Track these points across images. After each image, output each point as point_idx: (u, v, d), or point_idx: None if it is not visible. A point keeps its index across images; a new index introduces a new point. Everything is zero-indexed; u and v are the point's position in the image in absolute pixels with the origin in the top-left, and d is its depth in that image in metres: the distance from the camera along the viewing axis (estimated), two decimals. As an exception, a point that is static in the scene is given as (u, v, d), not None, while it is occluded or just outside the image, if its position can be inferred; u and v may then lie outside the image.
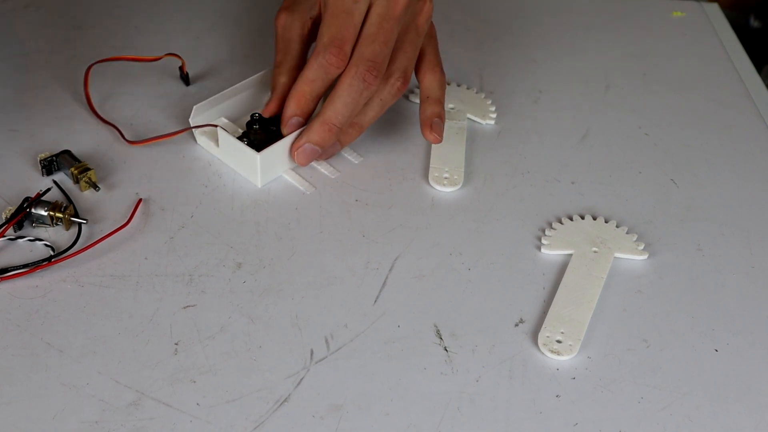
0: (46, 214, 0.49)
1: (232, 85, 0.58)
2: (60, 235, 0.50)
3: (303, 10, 0.57)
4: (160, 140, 0.56)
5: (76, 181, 0.53)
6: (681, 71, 0.70)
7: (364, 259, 0.51)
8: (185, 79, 0.63)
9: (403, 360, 0.45)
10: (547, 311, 0.48)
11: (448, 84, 0.65)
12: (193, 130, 0.57)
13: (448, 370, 0.45)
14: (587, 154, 0.60)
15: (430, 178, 0.56)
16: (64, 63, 0.64)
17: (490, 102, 0.64)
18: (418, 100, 0.63)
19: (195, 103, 0.56)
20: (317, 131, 0.53)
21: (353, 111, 0.53)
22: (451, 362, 0.45)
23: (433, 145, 0.59)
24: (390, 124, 0.61)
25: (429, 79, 0.58)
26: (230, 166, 0.56)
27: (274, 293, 0.48)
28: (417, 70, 0.59)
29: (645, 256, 0.52)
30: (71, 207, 0.50)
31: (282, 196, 0.54)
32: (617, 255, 0.52)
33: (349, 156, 0.58)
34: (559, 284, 0.50)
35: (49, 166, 0.54)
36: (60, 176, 0.54)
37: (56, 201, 0.50)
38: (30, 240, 0.49)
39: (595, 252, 0.52)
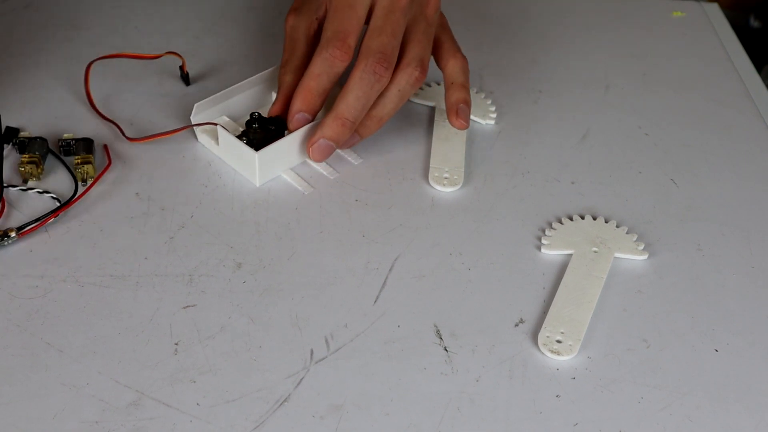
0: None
1: (232, 85, 0.58)
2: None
3: (310, 10, 0.57)
4: (161, 137, 0.56)
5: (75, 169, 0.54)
6: (681, 71, 0.70)
7: (364, 259, 0.51)
8: (185, 78, 0.63)
9: (403, 360, 0.45)
10: (547, 311, 0.48)
11: (448, 84, 0.65)
12: (194, 128, 0.57)
13: (448, 370, 0.45)
14: (587, 154, 0.60)
15: (430, 178, 0.56)
16: (64, 63, 0.64)
17: (490, 102, 0.64)
18: (418, 101, 0.63)
19: (195, 102, 0.56)
20: (331, 126, 0.53)
21: (365, 104, 0.53)
22: (451, 362, 0.45)
23: (433, 145, 0.59)
24: (390, 123, 0.61)
25: (451, 65, 0.58)
26: (230, 165, 0.56)
27: (274, 293, 0.48)
28: (438, 58, 0.59)
29: (645, 256, 0.52)
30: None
31: (282, 196, 0.54)
32: (617, 255, 0.52)
33: (348, 157, 0.58)
34: (559, 284, 0.50)
35: (67, 147, 0.55)
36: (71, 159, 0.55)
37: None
38: (39, 192, 0.52)
39: (595, 252, 0.52)
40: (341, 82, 0.55)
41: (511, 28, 0.74)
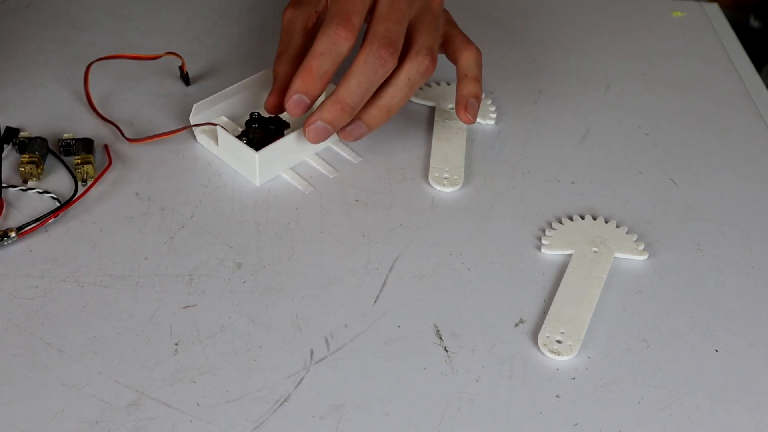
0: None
1: (231, 85, 0.58)
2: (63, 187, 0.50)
3: (309, 3, 0.56)
4: (160, 138, 0.56)
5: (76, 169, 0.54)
6: (681, 71, 0.70)
7: (364, 259, 0.51)
8: (185, 78, 0.63)
9: (403, 360, 0.45)
10: (547, 311, 0.48)
11: (448, 84, 0.65)
12: (194, 128, 0.57)
13: (448, 370, 0.45)
14: (587, 154, 0.60)
15: (430, 178, 0.56)
16: (64, 63, 0.64)
17: (490, 102, 0.64)
18: (418, 101, 0.63)
19: (194, 103, 0.56)
20: (329, 109, 0.52)
21: (367, 90, 0.52)
22: (451, 362, 0.45)
23: (433, 145, 0.59)
24: (390, 123, 0.61)
25: (465, 57, 0.57)
26: (230, 165, 0.56)
27: (274, 293, 0.48)
28: (451, 52, 0.58)
29: (645, 256, 0.52)
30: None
31: (282, 195, 0.54)
32: (617, 255, 0.52)
33: (348, 156, 0.58)
34: (559, 284, 0.50)
35: (67, 147, 0.55)
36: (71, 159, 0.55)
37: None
38: (39, 192, 0.52)
39: (595, 252, 0.52)
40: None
41: (511, 28, 0.74)
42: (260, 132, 0.55)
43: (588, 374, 0.45)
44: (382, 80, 0.52)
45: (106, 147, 0.56)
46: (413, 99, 0.63)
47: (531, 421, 0.43)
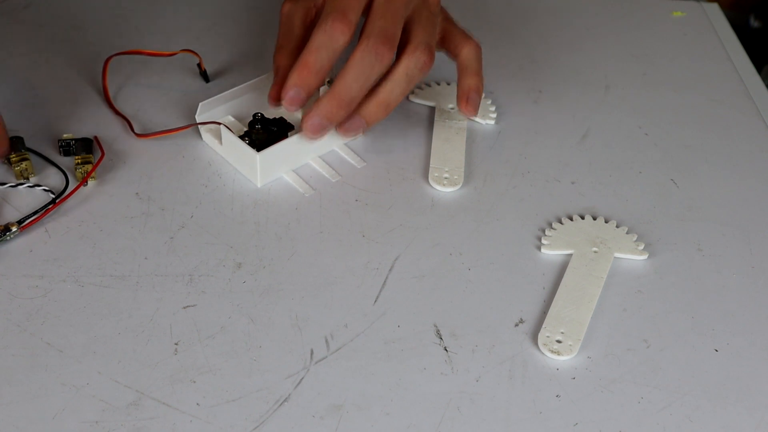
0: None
1: (231, 85, 0.58)
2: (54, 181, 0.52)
3: None
4: (167, 134, 0.57)
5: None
6: (681, 71, 0.70)
7: (364, 259, 0.51)
8: (204, 75, 0.63)
9: (403, 360, 0.45)
10: (547, 311, 0.48)
11: (448, 84, 0.65)
12: (199, 127, 0.57)
13: (448, 370, 0.45)
14: (587, 154, 0.60)
15: (430, 178, 0.56)
16: (64, 63, 0.64)
17: (490, 102, 0.64)
18: (418, 100, 0.63)
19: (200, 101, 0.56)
20: (326, 104, 0.51)
21: (364, 85, 0.51)
22: (451, 362, 0.45)
23: (433, 145, 0.59)
24: (390, 123, 0.61)
25: (466, 51, 0.57)
26: (232, 165, 0.56)
27: (274, 293, 0.48)
28: (451, 47, 0.58)
29: (645, 256, 0.52)
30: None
31: (282, 196, 0.54)
32: (617, 255, 0.52)
33: (351, 160, 0.58)
34: (559, 284, 0.50)
35: (67, 147, 0.55)
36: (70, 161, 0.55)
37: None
38: (30, 186, 0.52)
39: (595, 252, 0.52)
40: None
41: (511, 28, 0.74)
42: (263, 133, 0.55)
43: (588, 374, 0.45)
44: (379, 75, 0.52)
45: (96, 139, 0.56)
46: (413, 99, 0.63)
47: (531, 421, 0.43)
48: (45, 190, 0.52)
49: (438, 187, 0.56)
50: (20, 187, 0.52)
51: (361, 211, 0.54)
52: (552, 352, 0.46)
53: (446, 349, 0.46)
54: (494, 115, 0.62)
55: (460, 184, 0.56)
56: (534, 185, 0.57)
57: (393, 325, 0.47)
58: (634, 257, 0.52)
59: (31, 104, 0.60)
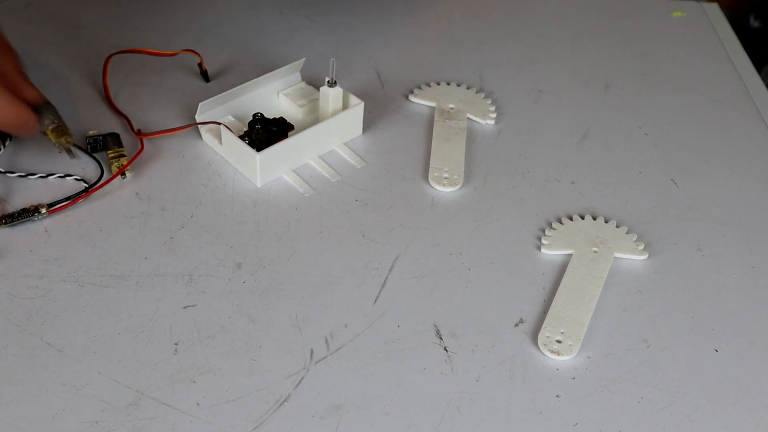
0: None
1: (229, 85, 0.58)
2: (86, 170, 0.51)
3: None
4: (166, 134, 0.57)
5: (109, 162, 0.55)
6: (681, 71, 0.70)
7: (364, 259, 0.51)
8: (204, 75, 0.63)
9: (403, 360, 0.45)
10: (547, 311, 0.48)
11: (448, 84, 0.65)
12: (199, 127, 0.57)
13: (448, 370, 0.45)
14: (587, 154, 0.60)
15: (430, 178, 0.56)
16: (64, 63, 0.64)
17: (490, 102, 0.64)
18: (418, 100, 0.63)
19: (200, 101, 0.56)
20: None
21: None
22: (451, 362, 0.45)
23: (433, 145, 0.59)
24: (390, 123, 0.61)
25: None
26: (232, 165, 0.56)
27: (274, 293, 0.48)
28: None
29: (645, 256, 0.52)
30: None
31: (282, 196, 0.54)
32: (617, 255, 0.52)
33: (351, 160, 0.58)
34: (559, 284, 0.50)
35: (94, 143, 0.56)
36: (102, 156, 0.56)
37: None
38: (60, 176, 0.53)
39: (595, 252, 0.52)
40: None
41: (511, 28, 0.74)
42: (263, 133, 0.55)
43: (588, 374, 0.45)
44: None
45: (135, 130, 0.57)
46: (413, 99, 0.63)
47: (531, 421, 0.43)
48: (77, 179, 0.53)
49: (438, 187, 0.56)
50: (50, 177, 0.53)
51: (361, 211, 0.54)
52: (552, 352, 0.46)
53: (446, 349, 0.46)
54: (494, 115, 0.63)
55: (460, 184, 0.56)
56: (534, 185, 0.57)
57: (393, 325, 0.47)
58: (634, 257, 0.52)
59: (31, 104, 0.60)
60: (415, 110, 0.63)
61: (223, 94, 0.57)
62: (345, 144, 0.59)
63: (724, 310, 0.49)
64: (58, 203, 0.51)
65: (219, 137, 0.56)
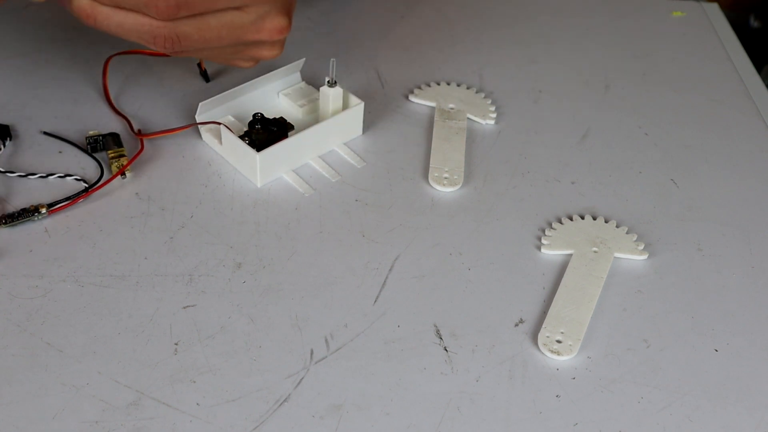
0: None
1: (229, 85, 0.58)
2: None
3: None
4: (166, 135, 0.57)
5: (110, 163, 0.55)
6: (681, 71, 0.70)
7: (364, 259, 0.51)
8: (204, 75, 0.63)
9: (403, 360, 0.45)
10: (547, 311, 0.48)
11: (448, 84, 0.65)
12: (199, 127, 0.57)
13: (448, 370, 0.45)
14: (587, 154, 0.60)
15: (430, 178, 0.56)
16: (64, 63, 0.64)
17: (490, 102, 0.64)
18: (418, 100, 0.63)
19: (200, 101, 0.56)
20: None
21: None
22: (451, 362, 0.45)
23: (433, 145, 0.59)
24: (390, 123, 0.61)
25: None
26: (232, 165, 0.56)
27: (274, 293, 0.48)
28: None
29: (645, 256, 0.52)
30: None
31: (282, 196, 0.54)
32: (617, 255, 0.52)
33: (351, 160, 0.58)
34: (559, 284, 0.50)
35: (94, 144, 0.56)
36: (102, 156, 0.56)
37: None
38: (60, 176, 0.53)
39: (595, 252, 0.52)
40: None
41: (511, 28, 0.74)
42: (263, 133, 0.55)
43: (588, 374, 0.45)
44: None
45: (137, 132, 0.57)
46: (413, 99, 0.63)
47: (531, 421, 0.43)
48: (77, 179, 0.53)
49: (438, 187, 0.56)
50: (50, 177, 0.53)
51: (361, 211, 0.54)
52: (552, 352, 0.46)
53: (446, 349, 0.46)
54: (494, 115, 0.63)
55: (460, 184, 0.56)
56: (534, 185, 0.57)
57: (393, 325, 0.47)
58: (634, 257, 0.52)
59: (31, 104, 0.60)
60: (415, 110, 0.63)
61: (223, 94, 0.57)
62: (345, 144, 0.59)
63: (724, 310, 0.49)
64: (58, 203, 0.51)
65: (219, 137, 0.56)
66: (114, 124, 0.58)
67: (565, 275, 0.50)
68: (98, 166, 0.55)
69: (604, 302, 0.49)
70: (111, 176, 0.54)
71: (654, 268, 0.52)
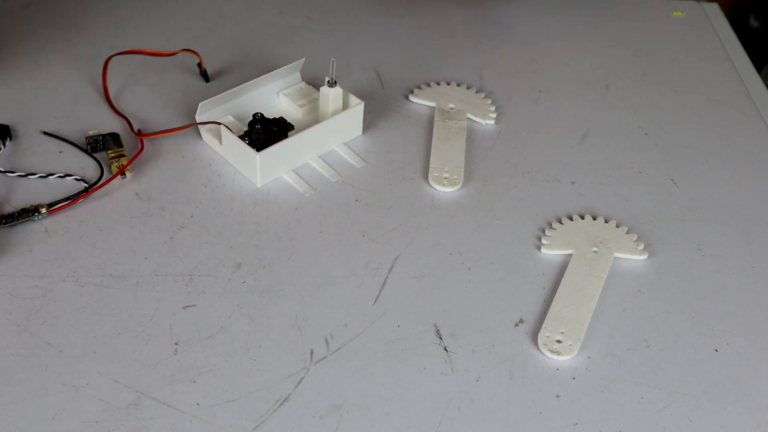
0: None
1: (230, 84, 0.58)
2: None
3: None
4: (166, 135, 0.57)
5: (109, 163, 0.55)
6: (681, 71, 0.70)
7: (364, 259, 0.51)
8: (204, 75, 0.63)
9: (403, 360, 0.45)
10: (547, 311, 0.48)
11: (448, 84, 0.65)
12: (199, 127, 0.57)
13: (448, 370, 0.45)
14: (587, 154, 0.60)
15: (430, 178, 0.56)
16: (64, 63, 0.64)
17: (490, 102, 0.64)
18: (418, 100, 0.63)
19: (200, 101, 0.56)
20: None
21: None
22: (451, 362, 0.45)
23: (433, 145, 0.59)
24: (390, 123, 0.61)
25: None
26: (232, 165, 0.56)
27: (274, 293, 0.48)
28: None
29: (645, 256, 0.52)
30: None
31: (282, 196, 0.54)
32: (617, 255, 0.52)
33: (351, 160, 0.58)
34: (559, 284, 0.50)
35: (94, 143, 0.56)
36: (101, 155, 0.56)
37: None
38: (60, 176, 0.53)
39: (595, 252, 0.52)
40: None
41: (511, 28, 0.74)
42: (263, 133, 0.55)
43: (588, 374, 0.45)
44: None
45: (138, 132, 0.57)
46: (413, 99, 0.63)
47: (531, 421, 0.43)
48: (77, 179, 0.53)
49: (438, 187, 0.56)
50: (50, 177, 0.53)
51: (361, 211, 0.54)
52: (552, 352, 0.46)
53: (446, 349, 0.46)
54: (494, 115, 0.63)
55: (460, 184, 0.56)
56: (534, 185, 0.57)
57: (393, 325, 0.47)
58: (634, 257, 0.52)
59: (30, 104, 0.60)
60: (415, 110, 0.63)
61: (223, 94, 0.57)
62: (345, 144, 0.59)
63: (724, 310, 0.49)
64: (58, 203, 0.51)
65: (219, 137, 0.56)
66: (114, 124, 0.58)
67: (565, 275, 0.50)
68: (98, 166, 0.55)
69: (604, 302, 0.49)
70: (111, 176, 0.53)
71: (654, 268, 0.52)
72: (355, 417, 0.42)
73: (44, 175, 0.53)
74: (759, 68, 0.73)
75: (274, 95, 0.61)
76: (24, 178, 0.53)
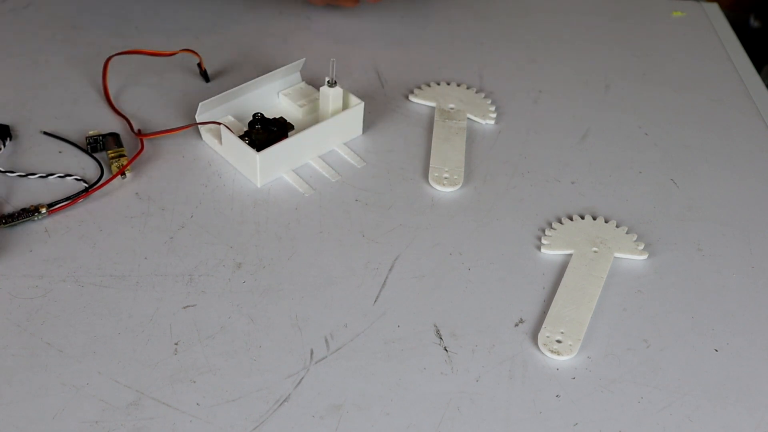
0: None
1: (230, 84, 0.58)
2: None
3: None
4: (166, 135, 0.57)
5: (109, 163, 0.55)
6: (681, 71, 0.70)
7: (364, 259, 0.51)
8: (204, 75, 0.63)
9: (403, 360, 0.45)
10: (547, 311, 0.48)
11: (448, 84, 0.65)
12: (199, 127, 0.57)
13: (448, 370, 0.45)
14: (587, 154, 0.60)
15: (430, 178, 0.56)
16: (64, 63, 0.64)
17: (490, 102, 0.64)
18: (418, 101, 0.63)
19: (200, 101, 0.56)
20: None
21: None
22: (451, 362, 0.45)
23: (433, 145, 0.59)
24: (390, 123, 0.61)
25: None
26: (232, 165, 0.56)
27: (274, 293, 0.48)
28: None
29: (645, 256, 0.52)
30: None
31: (282, 196, 0.54)
32: (617, 255, 0.52)
33: (351, 160, 0.58)
34: (559, 284, 0.50)
35: (94, 143, 0.56)
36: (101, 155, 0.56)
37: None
38: (60, 176, 0.53)
39: (595, 252, 0.52)
40: None
41: (511, 28, 0.74)
42: (263, 133, 0.55)
43: (588, 374, 0.45)
44: None
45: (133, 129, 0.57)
46: (413, 99, 0.63)
47: (531, 421, 0.43)
48: (77, 179, 0.53)
49: (438, 187, 0.56)
50: (50, 177, 0.53)
51: (361, 211, 0.54)
52: (552, 352, 0.46)
53: (446, 349, 0.46)
54: (494, 115, 0.62)
55: (460, 184, 0.56)
56: (534, 185, 0.57)
57: (393, 325, 0.47)
58: (634, 257, 0.52)
59: (30, 104, 0.60)
60: (415, 110, 0.63)
61: (223, 94, 0.57)
62: (345, 144, 0.59)
63: (724, 310, 0.49)
64: (58, 203, 0.51)
65: (219, 137, 0.56)
66: (114, 124, 0.58)
67: (565, 275, 0.50)
68: (98, 166, 0.55)
69: (604, 302, 0.49)
70: (111, 176, 0.54)
71: (654, 268, 0.52)
72: (355, 417, 0.42)
73: (44, 175, 0.53)
74: (759, 68, 0.73)
75: (274, 95, 0.61)
76: (24, 178, 0.53)
